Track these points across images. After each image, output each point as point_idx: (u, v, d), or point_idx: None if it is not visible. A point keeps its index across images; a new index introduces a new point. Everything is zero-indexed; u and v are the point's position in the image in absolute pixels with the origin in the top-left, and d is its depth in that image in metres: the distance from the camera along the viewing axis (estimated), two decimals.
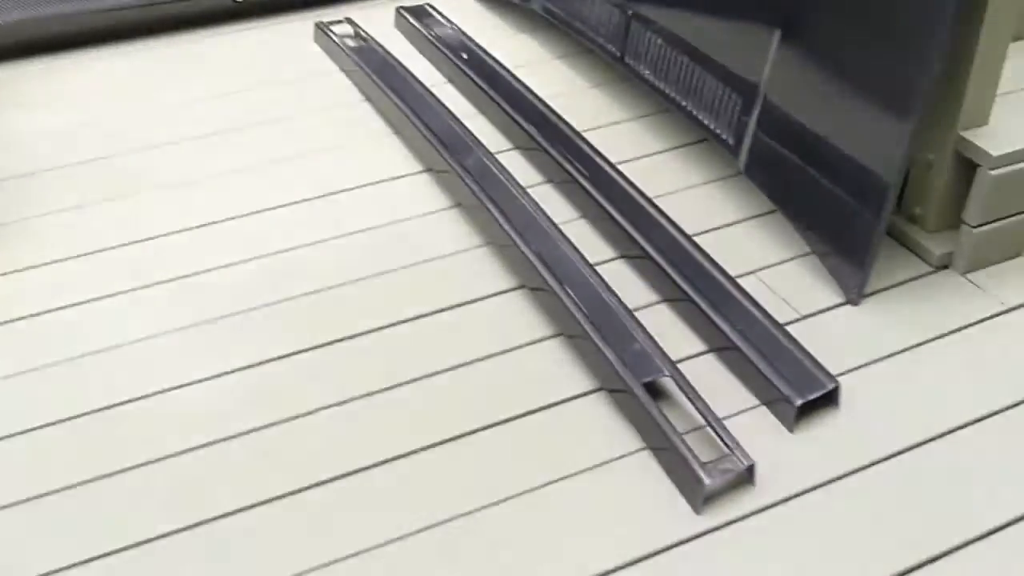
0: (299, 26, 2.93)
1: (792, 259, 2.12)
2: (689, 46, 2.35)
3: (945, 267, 2.10)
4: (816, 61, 2.10)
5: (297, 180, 2.35)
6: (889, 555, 1.55)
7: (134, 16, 2.87)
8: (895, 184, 1.93)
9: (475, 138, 2.38)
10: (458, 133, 2.39)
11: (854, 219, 2.00)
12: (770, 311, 1.94)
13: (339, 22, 2.88)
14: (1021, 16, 2.01)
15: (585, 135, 2.42)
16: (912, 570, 1.53)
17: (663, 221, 2.14)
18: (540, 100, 2.52)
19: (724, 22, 2.32)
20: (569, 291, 1.94)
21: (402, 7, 2.95)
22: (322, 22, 2.87)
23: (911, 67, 1.88)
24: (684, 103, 2.36)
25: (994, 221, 2.06)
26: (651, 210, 2.17)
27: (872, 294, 2.03)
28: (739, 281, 2.01)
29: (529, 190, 2.25)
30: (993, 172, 1.99)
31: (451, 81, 2.69)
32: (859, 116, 2.00)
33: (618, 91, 2.64)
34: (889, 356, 1.90)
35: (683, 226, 2.13)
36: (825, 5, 2.06)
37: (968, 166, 2.03)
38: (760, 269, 2.09)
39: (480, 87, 2.57)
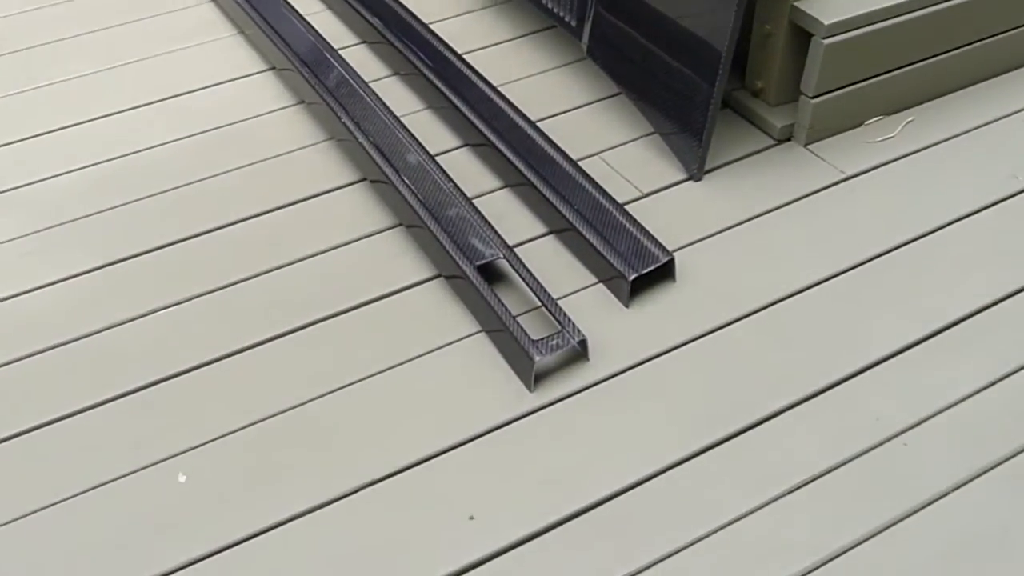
0: None
1: (635, 139, 2.11)
2: None
3: (788, 140, 2.11)
4: None
5: (138, 84, 2.29)
6: (719, 420, 1.57)
7: None
8: (727, 51, 1.91)
9: (318, 34, 2.33)
10: (301, 30, 2.34)
11: (692, 93, 1.99)
12: (612, 192, 1.93)
13: None
14: None
15: (432, 26, 2.37)
16: (739, 433, 1.55)
17: (506, 108, 2.11)
18: None
19: None
20: (407, 181, 1.92)
21: None
22: None
23: None
24: None
25: (832, 91, 2.07)
26: (495, 98, 2.14)
27: (714, 169, 2.04)
28: (582, 164, 2.00)
29: (374, 83, 2.22)
30: (827, 41, 1.99)
31: None
32: None
33: None
34: (728, 228, 1.91)
35: (527, 112, 2.11)
36: None
37: (803, 36, 2.03)
38: (604, 151, 2.08)
39: None
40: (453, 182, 1.93)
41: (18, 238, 1.92)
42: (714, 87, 1.94)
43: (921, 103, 2.21)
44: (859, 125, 2.13)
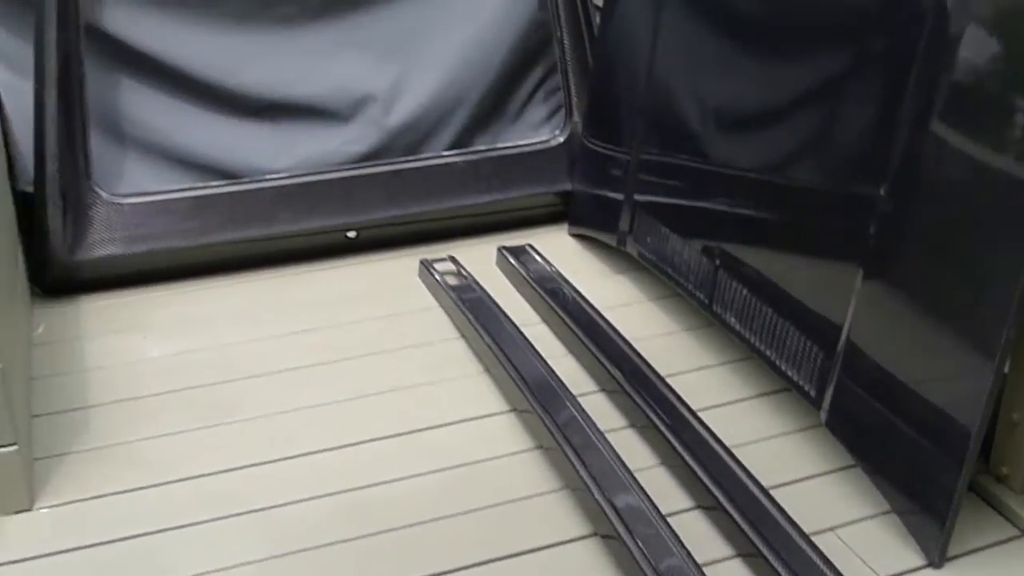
0: (406, 262, 3.05)
1: (872, 517, 2.08)
2: (773, 297, 2.39)
3: None
4: (899, 302, 2.10)
5: (385, 415, 2.42)
6: None
7: (258, 248, 3.03)
8: (977, 433, 1.88)
9: (560, 380, 2.42)
10: (543, 375, 2.44)
11: (935, 473, 1.96)
12: (846, 573, 1.90)
13: (443, 260, 3.00)
14: None
15: (669, 379, 2.44)
16: None
17: (739, 472, 2.13)
18: (627, 343, 2.57)
19: (806, 268, 2.35)
20: (639, 543, 1.94)
21: (504, 247, 3.06)
22: (426, 259, 2.99)
23: (993, 309, 1.86)
24: (768, 352, 2.38)
25: None
26: (728, 459, 2.16)
27: (955, 557, 1.98)
28: (814, 539, 1.98)
29: (610, 434, 2.28)
30: None
31: (545, 321, 2.77)
32: (942, 360, 1.99)
33: (708, 336, 2.68)
34: None
35: (760, 477, 2.12)
36: (907, 243, 2.08)
37: None
38: (838, 527, 2.06)
39: (570, 328, 2.64)
40: (685, 548, 1.93)
41: (259, 560, 2.01)
42: (961, 469, 1.90)
43: None
44: None
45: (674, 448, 2.21)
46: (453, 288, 2.85)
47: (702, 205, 2.72)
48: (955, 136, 1.96)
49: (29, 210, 2.88)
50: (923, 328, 2.04)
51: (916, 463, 2.02)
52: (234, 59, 3.01)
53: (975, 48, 1.91)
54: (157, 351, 2.69)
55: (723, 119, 2.63)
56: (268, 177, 3.04)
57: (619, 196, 2.95)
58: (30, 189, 2.88)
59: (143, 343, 2.73)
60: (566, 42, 3.20)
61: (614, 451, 2.19)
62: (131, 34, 2.91)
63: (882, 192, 2.08)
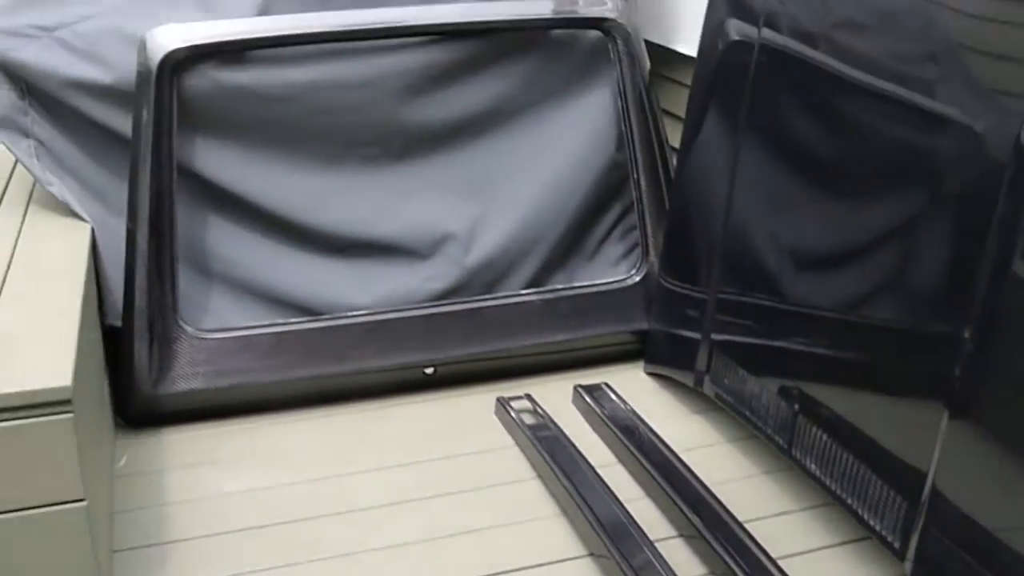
0: (483, 399, 3.07)
1: None
2: (854, 442, 2.36)
3: None
4: (987, 448, 2.06)
5: (458, 559, 2.41)
6: None
7: (337, 383, 3.07)
8: None
9: (637, 524, 2.40)
10: (620, 518, 2.42)
11: None
12: None
13: (519, 398, 3.01)
14: None
15: (747, 525, 2.41)
16: None
17: None
18: (704, 486, 2.54)
19: (889, 412, 2.32)
20: None
21: (580, 385, 3.07)
22: (503, 397, 3.01)
23: None
24: (849, 500, 2.34)
25: None
26: None
27: None
28: None
29: None
30: None
31: (621, 462, 2.76)
32: None
33: (787, 479, 2.64)
34: None
35: None
36: (993, 386, 2.04)
37: None
38: None
39: (647, 470, 2.62)
40: None
41: None
42: None
43: None
44: None
45: None
46: (529, 427, 2.85)
47: (779, 345, 2.71)
48: None
49: (116, 344, 2.95)
50: (1012, 476, 2.00)
51: None
52: (319, 198, 3.08)
53: None
54: (236, 486, 2.72)
55: (800, 259, 2.64)
56: (349, 314, 3.09)
57: (696, 335, 2.95)
58: (118, 323, 2.96)
59: (223, 478, 2.76)
60: (643, 182, 3.24)
61: None
62: (220, 174, 3.00)
63: (966, 334, 2.06)
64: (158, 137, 2.87)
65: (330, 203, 3.10)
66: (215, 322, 3.03)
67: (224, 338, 3.00)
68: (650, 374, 3.21)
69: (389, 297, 3.13)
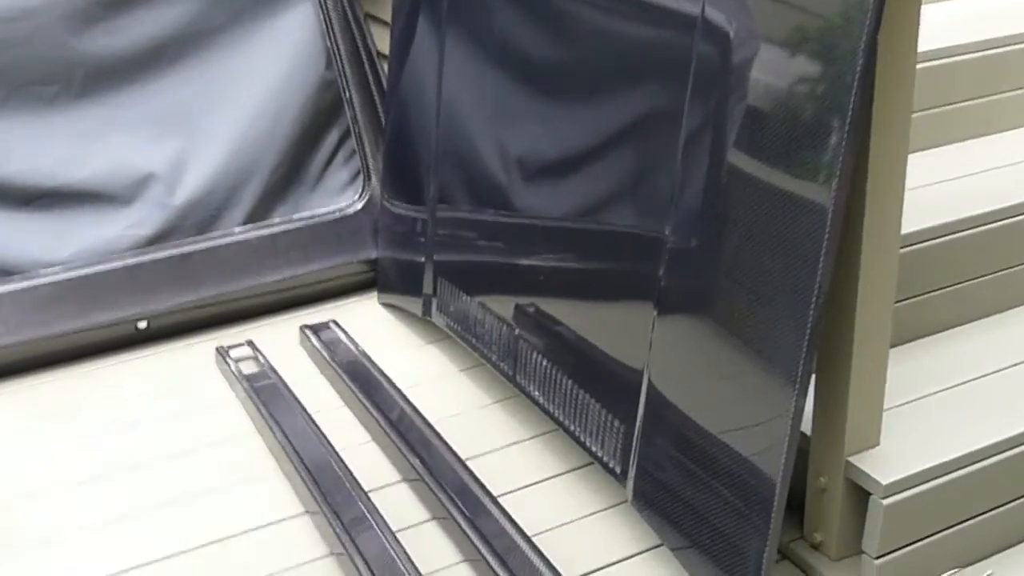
0: (203, 349, 2.84)
1: None
2: (571, 364, 2.25)
3: None
4: (694, 338, 1.97)
5: (166, 531, 2.20)
6: None
7: (37, 349, 2.79)
8: (781, 484, 1.72)
9: (351, 475, 2.24)
10: (335, 469, 2.26)
11: (743, 541, 1.81)
12: None
13: (240, 345, 2.80)
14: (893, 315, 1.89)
15: (475, 459, 2.29)
16: None
17: (538, 563, 1.97)
18: (428, 425, 2.40)
19: (604, 321, 2.22)
20: None
21: (306, 325, 2.87)
22: (222, 346, 2.79)
23: (788, 343, 1.70)
24: (571, 426, 2.24)
25: (896, 550, 1.88)
26: (527, 549, 2.01)
27: None
28: None
29: (407, 531, 2.11)
30: (886, 501, 1.83)
31: (347, 405, 2.58)
32: (741, 409, 1.84)
33: (515, 408, 2.51)
34: None
35: (564, 567, 1.96)
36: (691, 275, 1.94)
37: (861, 493, 1.88)
38: None
39: (370, 413, 2.46)
40: None
41: None
42: (767, 527, 1.75)
43: (1003, 550, 2.01)
44: None
45: (471, 542, 2.04)
46: (247, 377, 2.65)
47: (496, 262, 2.58)
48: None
49: None
50: (719, 368, 1.90)
51: (724, 533, 1.88)
52: None
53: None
54: None
55: (509, 167, 2.47)
56: (46, 272, 2.80)
57: (420, 259, 2.78)
58: None
59: None
60: (355, 99, 3.04)
61: (407, 555, 2.01)
62: None
63: (667, 231, 1.94)
64: None
65: (8, 151, 2.79)
66: None
67: None
68: (384, 304, 3.03)
69: (89, 249, 2.85)
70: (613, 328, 2.20)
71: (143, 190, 2.90)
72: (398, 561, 2.01)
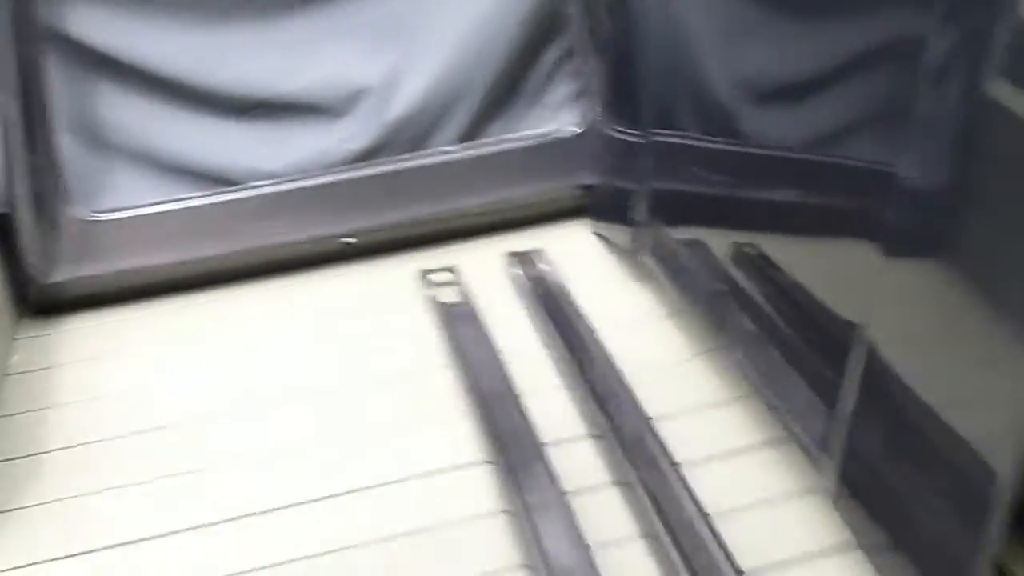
0: (406, 269, 2.78)
1: None
2: (780, 324, 2.04)
3: None
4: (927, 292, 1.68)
5: (346, 466, 2.17)
6: None
7: (245, 260, 2.80)
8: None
9: (530, 429, 2.13)
10: (523, 419, 2.15)
11: (961, 543, 1.59)
12: None
13: (444, 270, 2.72)
14: None
15: (661, 422, 2.13)
16: None
17: (715, 550, 1.82)
18: (620, 377, 2.26)
19: (821, 268, 1.98)
20: None
21: (512, 251, 2.76)
22: (426, 269, 2.72)
23: None
24: (769, 396, 2.04)
25: None
26: (705, 533, 1.85)
27: None
28: None
29: (583, 495, 1.99)
30: None
31: (546, 346, 2.46)
32: (977, 379, 1.58)
33: (718, 363, 2.32)
34: None
35: (742, 558, 1.81)
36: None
37: None
38: None
39: (563, 354, 2.34)
40: None
41: None
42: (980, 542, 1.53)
43: None
44: None
45: (649, 518, 1.91)
46: (447, 306, 2.57)
47: (711, 193, 2.36)
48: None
49: (6, 231, 2.70)
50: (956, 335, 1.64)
51: (937, 540, 1.66)
52: (212, 56, 2.76)
53: None
54: (131, 381, 2.49)
55: (734, 90, 2.25)
56: (258, 184, 2.80)
57: (632, 187, 2.60)
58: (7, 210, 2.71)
59: (119, 373, 2.53)
60: (579, 15, 2.85)
61: (573, 521, 1.90)
62: (97, 36, 2.69)
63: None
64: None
65: (226, 61, 2.77)
66: (112, 200, 2.77)
67: (119, 219, 2.75)
68: (595, 233, 2.87)
69: (301, 162, 2.83)
70: (831, 274, 1.96)
71: (357, 104, 2.84)
72: (565, 522, 1.89)
